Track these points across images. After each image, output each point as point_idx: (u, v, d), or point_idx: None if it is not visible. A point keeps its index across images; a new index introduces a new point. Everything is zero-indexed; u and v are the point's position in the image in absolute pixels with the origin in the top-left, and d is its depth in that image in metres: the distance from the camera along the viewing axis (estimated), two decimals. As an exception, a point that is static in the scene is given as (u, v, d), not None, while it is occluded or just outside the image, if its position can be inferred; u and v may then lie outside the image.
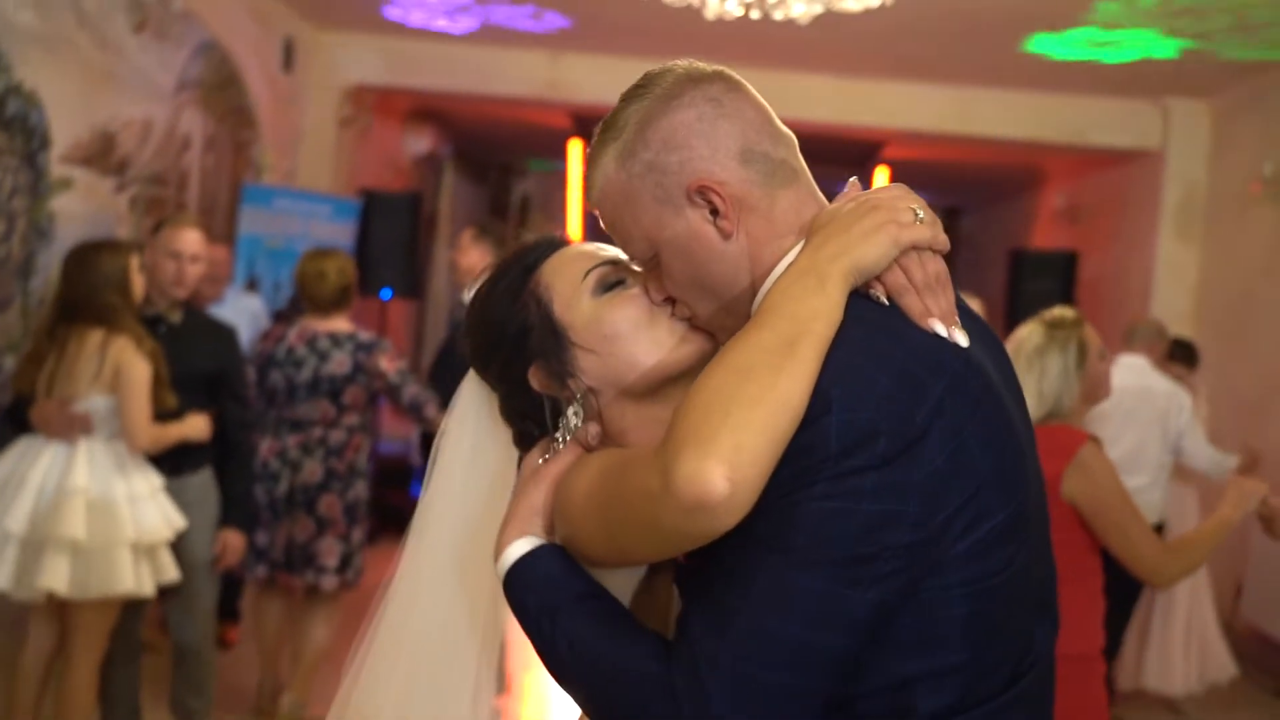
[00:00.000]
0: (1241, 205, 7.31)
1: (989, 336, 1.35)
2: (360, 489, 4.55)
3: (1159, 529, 5.39)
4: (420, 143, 9.76)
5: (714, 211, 1.30)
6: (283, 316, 6.41)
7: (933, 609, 1.19)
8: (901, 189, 1.33)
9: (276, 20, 7.35)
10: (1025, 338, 3.17)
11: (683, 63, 1.36)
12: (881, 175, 9.54)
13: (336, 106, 8.01)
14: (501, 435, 1.52)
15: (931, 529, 1.17)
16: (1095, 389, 3.20)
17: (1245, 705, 5.93)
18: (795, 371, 1.15)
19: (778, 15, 4.69)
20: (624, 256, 1.43)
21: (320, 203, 7.60)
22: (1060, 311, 3.25)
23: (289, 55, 7.55)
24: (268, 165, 7.39)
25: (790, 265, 1.27)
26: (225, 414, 4.19)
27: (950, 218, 12.62)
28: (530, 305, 1.43)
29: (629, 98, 1.35)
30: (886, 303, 1.26)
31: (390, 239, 7.93)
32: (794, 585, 1.14)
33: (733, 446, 1.11)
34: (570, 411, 1.41)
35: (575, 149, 9.79)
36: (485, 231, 5.54)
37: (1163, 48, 6.55)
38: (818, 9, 4.68)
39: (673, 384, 1.38)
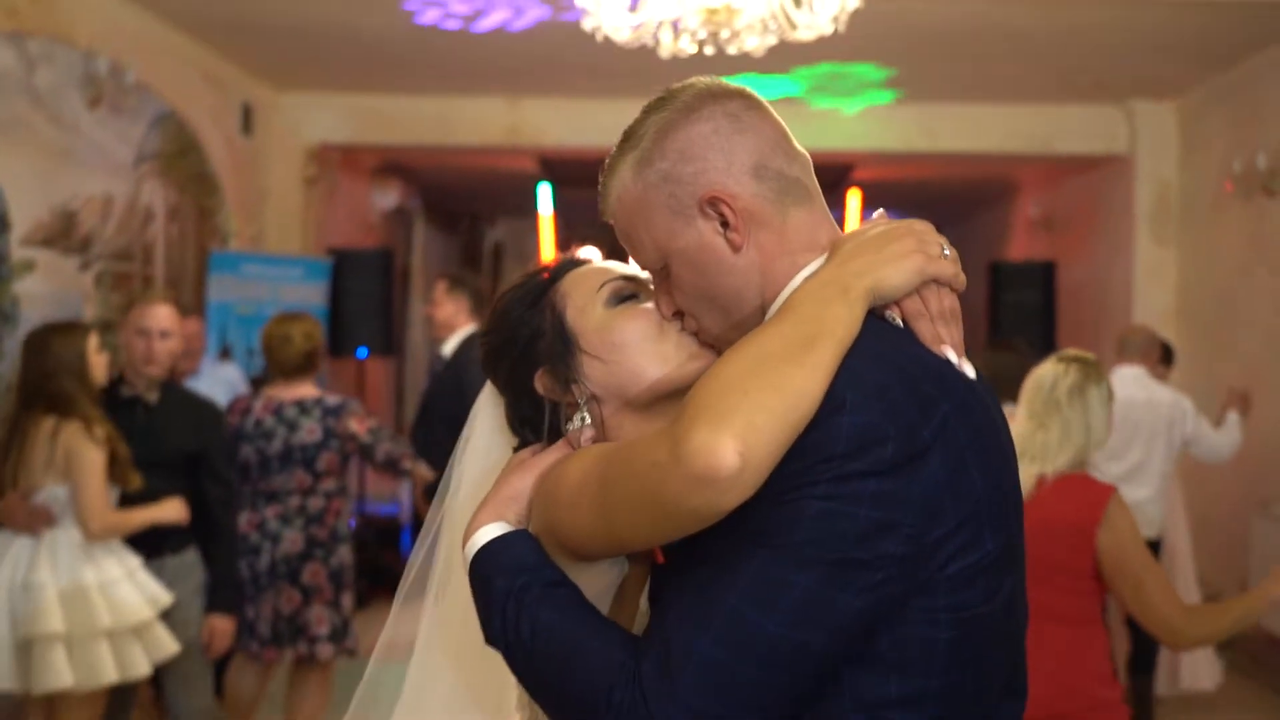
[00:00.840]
0: (1215, 204, 7.33)
1: (986, 386, 1.39)
2: (344, 554, 4.52)
3: (1157, 544, 5.40)
4: (388, 198, 9.76)
5: (724, 224, 1.34)
6: (259, 383, 6.35)
7: (918, 631, 1.21)
8: (928, 225, 1.39)
9: (233, 85, 7.38)
10: (1058, 375, 3.15)
11: (706, 79, 1.41)
12: (854, 198, 9.58)
13: (300, 167, 8.04)
14: (510, 445, 1.56)
15: (925, 545, 1.19)
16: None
17: (1253, 705, 5.93)
18: (814, 367, 1.18)
19: (731, 50, 4.73)
20: (642, 275, 1.48)
21: (290, 265, 7.61)
22: (1078, 351, 3.28)
23: (248, 119, 7.58)
24: (233, 231, 7.41)
25: (813, 274, 1.31)
26: (206, 494, 4.15)
27: (927, 234, 12.62)
28: (545, 312, 1.48)
29: (650, 109, 1.40)
30: (901, 325, 1.31)
31: (363, 297, 7.97)
32: (783, 581, 1.16)
33: (747, 424, 1.13)
34: (576, 417, 1.45)
35: (544, 193, 9.79)
36: (459, 283, 5.52)
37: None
38: (771, 40, 4.69)
39: (675, 400, 1.38)
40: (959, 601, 1.22)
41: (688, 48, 4.71)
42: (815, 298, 1.25)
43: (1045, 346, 8.27)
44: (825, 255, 1.35)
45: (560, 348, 1.46)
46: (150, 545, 3.96)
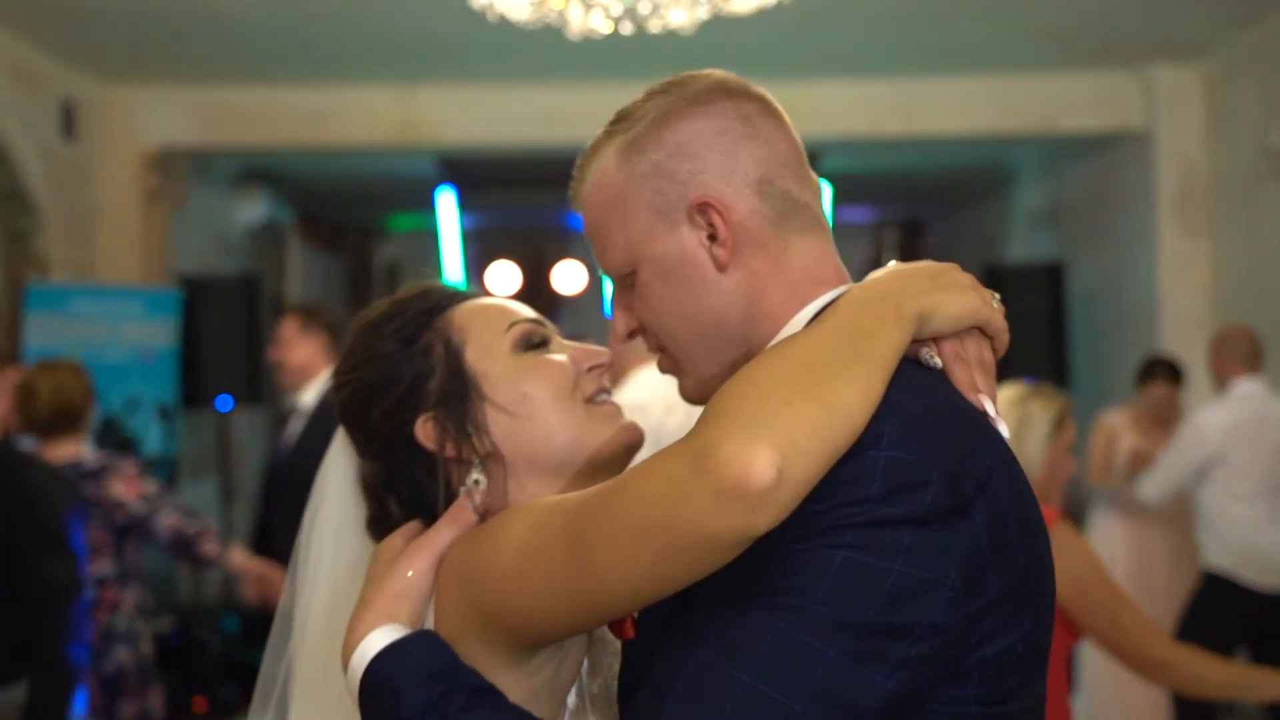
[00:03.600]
0: (1251, 185, 7.31)
1: None
2: (125, 655, 4.43)
3: None
4: (253, 211, 9.71)
5: (711, 236, 1.39)
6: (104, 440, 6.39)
7: None
8: None
9: (48, 78, 7.26)
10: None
11: (722, 72, 1.46)
12: (824, 192, 9.48)
13: (139, 176, 7.89)
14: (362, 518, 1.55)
15: (966, 615, 1.19)
16: (1059, 472, 3.32)
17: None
18: (861, 385, 1.20)
19: (654, 28, 4.69)
20: (547, 322, 1.54)
21: (129, 298, 7.52)
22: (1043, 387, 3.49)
23: (70, 120, 7.45)
24: (56, 259, 7.26)
25: (859, 287, 1.35)
26: (23, 605, 3.92)
27: (909, 233, 12.67)
28: (435, 348, 1.49)
29: (653, 93, 1.45)
30: (939, 366, 1.35)
31: (224, 334, 7.96)
32: (805, 652, 1.15)
33: (786, 436, 1.14)
34: (471, 479, 1.45)
35: (446, 200, 9.81)
36: (313, 318, 5.48)
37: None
38: (702, 14, 4.76)
39: (590, 472, 1.46)
40: (991, 693, 1.22)
41: (600, 27, 4.75)
42: (865, 310, 1.28)
43: (1055, 363, 8.32)
44: (838, 289, 1.39)
45: (457, 392, 1.47)
46: None
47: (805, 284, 1.39)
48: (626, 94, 1.47)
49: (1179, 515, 6.12)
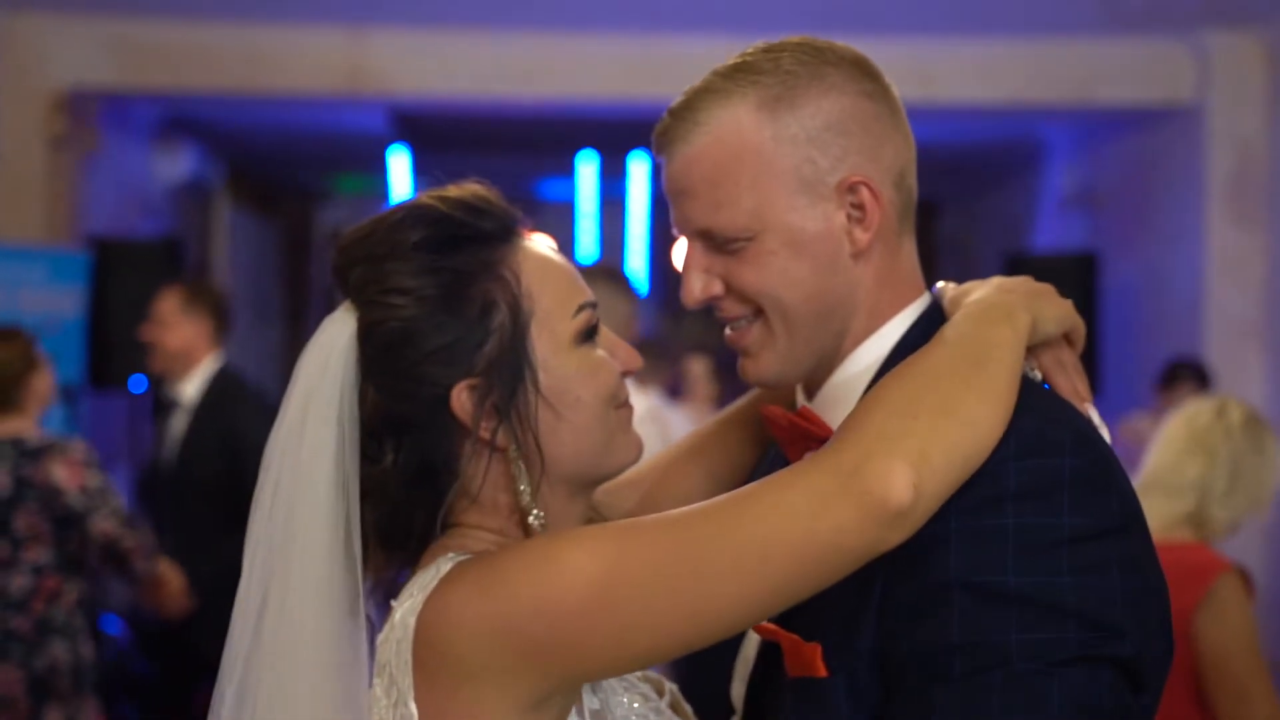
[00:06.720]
0: (1316, 170, 7.33)
1: None
2: (59, 650, 4.47)
3: None
4: (176, 166, 9.67)
5: (851, 220, 1.52)
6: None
7: None
8: None
9: None
10: (1224, 406, 3.37)
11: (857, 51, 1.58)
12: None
13: (44, 120, 7.84)
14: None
15: (1167, 622, 1.39)
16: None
17: None
18: (985, 392, 1.37)
19: None
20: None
21: (30, 260, 7.51)
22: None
23: None
24: None
25: (974, 302, 1.50)
26: None
27: (921, 216, 12.59)
28: (497, 309, 1.48)
29: (784, 49, 1.54)
30: (1039, 378, 1.53)
31: (140, 305, 7.66)
32: (1094, 686, 1.30)
33: (921, 454, 1.31)
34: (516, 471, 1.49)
35: (399, 160, 9.80)
36: (198, 296, 5.58)
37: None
38: None
39: (594, 482, 1.57)
40: (1152, 705, 1.37)
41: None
42: (981, 323, 1.44)
43: (1085, 366, 7.96)
44: (924, 302, 1.59)
45: (510, 371, 1.47)
46: None
47: (906, 286, 1.57)
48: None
49: None
